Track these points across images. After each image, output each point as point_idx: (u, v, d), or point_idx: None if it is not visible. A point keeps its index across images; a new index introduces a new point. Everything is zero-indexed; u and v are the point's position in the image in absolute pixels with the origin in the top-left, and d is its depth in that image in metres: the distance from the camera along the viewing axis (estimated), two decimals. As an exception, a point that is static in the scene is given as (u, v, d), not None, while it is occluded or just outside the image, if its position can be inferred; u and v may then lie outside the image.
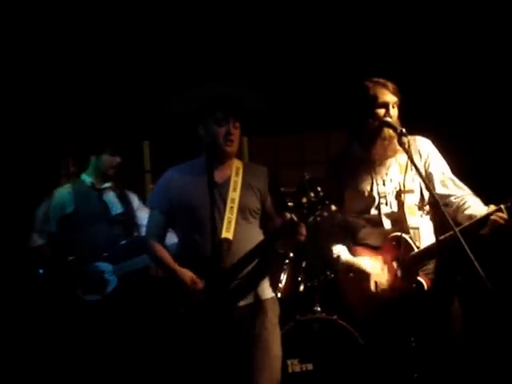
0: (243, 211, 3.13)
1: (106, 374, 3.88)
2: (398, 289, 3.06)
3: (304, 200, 2.88)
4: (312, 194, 2.87)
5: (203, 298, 3.02)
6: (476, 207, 3.03)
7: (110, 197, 4.27)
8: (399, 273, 3.06)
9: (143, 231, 4.20)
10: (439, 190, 3.16)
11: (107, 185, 4.26)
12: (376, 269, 3.15)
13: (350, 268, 3.21)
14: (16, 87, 4.99)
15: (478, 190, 3.19)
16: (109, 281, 4.01)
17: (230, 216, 3.08)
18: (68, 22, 4.87)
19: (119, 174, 4.30)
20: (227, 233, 3.07)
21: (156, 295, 3.99)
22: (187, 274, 3.05)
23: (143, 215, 4.24)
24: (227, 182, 3.16)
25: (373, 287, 3.14)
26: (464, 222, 3.00)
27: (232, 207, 3.10)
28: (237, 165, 3.23)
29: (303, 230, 2.95)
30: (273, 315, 3.17)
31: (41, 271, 4.20)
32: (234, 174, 3.19)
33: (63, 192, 4.23)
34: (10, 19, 4.68)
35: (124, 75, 5.30)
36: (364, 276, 3.17)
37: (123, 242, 4.13)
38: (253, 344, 3.05)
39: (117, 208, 4.25)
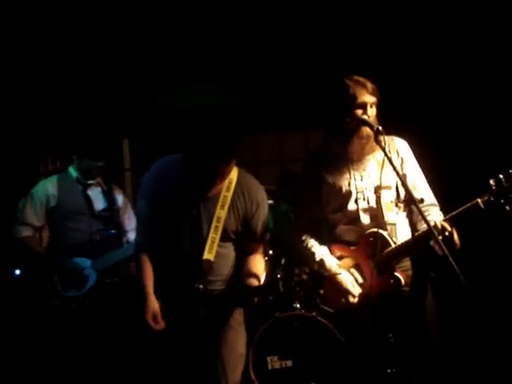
0: (226, 232, 3.07)
1: (85, 370, 3.88)
2: (375, 285, 3.08)
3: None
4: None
5: (160, 331, 3.00)
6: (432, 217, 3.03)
7: (95, 192, 4.27)
8: (376, 269, 3.08)
9: (130, 234, 4.23)
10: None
11: (93, 181, 4.26)
12: (355, 288, 3.12)
13: (331, 277, 3.18)
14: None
15: (451, 189, 3.21)
16: (88, 276, 4.00)
17: (214, 236, 3.01)
18: (49, 22, 4.86)
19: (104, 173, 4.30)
20: (209, 254, 3.02)
21: (134, 291, 4.01)
22: (153, 307, 3.01)
23: (129, 222, 4.28)
24: (216, 197, 3.05)
25: (344, 304, 3.15)
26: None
27: (217, 227, 3.02)
28: (230, 179, 3.07)
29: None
30: (238, 314, 3.18)
31: (17, 272, 4.20)
32: (225, 189, 3.06)
33: (47, 185, 4.22)
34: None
35: (105, 74, 5.29)
36: (341, 290, 3.15)
37: (101, 237, 4.13)
38: (219, 343, 3.06)
39: (100, 204, 4.24)
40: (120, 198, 4.36)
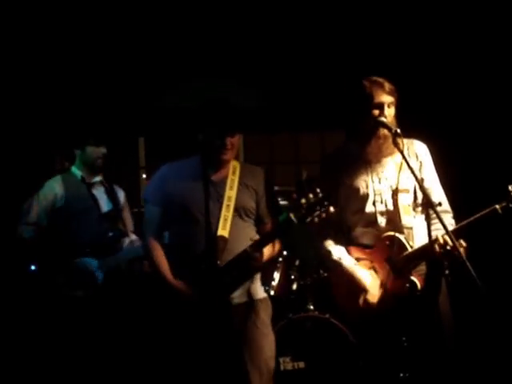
0: (239, 210, 3.13)
1: (94, 370, 3.87)
2: (390, 289, 3.06)
3: (303, 201, 2.88)
4: (311, 196, 2.88)
5: (196, 299, 3.01)
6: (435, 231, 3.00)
7: (100, 192, 4.24)
8: (392, 272, 3.06)
9: (131, 236, 4.23)
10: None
11: (97, 179, 4.24)
12: (374, 287, 3.11)
13: (349, 277, 3.17)
14: (12, 84, 4.98)
15: (462, 197, 3.20)
16: (95, 276, 3.99)
17: (226, 214, 3.07)
18: (64, 17, 4.88)
19: (109, 167, 4.29)
20: (223, 230, 3.06)
21: (141, 291, 4.01)
22: (177, 282, 3.05)
23: (130, 221, 4.29)
24: (224, 180, 3.16)
25: (362, 303, 3.13)
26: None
27: (228, 205, 3.09)
28: (234, 164, 3.22)
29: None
30: (265, 316, 3.18)
31: (32, 267, 4.19)
32: (231, 173, 3.18)
33: (53, 185, 4.17)
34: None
35: (120, 72, 5.31)
36: (360, 289, 3.14)
37: (109, 237, 4.11)
38: (244, 344, 3.06)
39: (105, 203, 4.22)
40: (122, 197, 4.34)
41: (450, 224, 3.06)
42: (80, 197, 4.14)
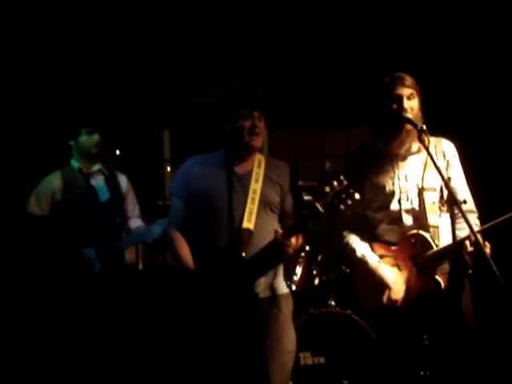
0: (265, 204, 3.11)
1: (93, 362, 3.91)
2: (414, 287, 3.05)
3: (327, 189, 2.86)
4: (335, 183, 2.86)
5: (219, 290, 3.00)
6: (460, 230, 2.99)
7: (98, 181, 4.25)
8: (415, 271, 3.05)
9: (132, 222, 4.24)
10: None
11: (95, 168, 4.25)
12: (398, 284, 3.11)
13: (373, 274, 3.17)
14: (34, 75, 5.02)
15: (490, 198, 3.18)
16: (93, 265, 4.02)
17: (252, 207, 3.06)
18: (89, 10, 4.90)
19: (135, 160, 4.30)
20: (248, 223, 3.05)
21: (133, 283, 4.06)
22: (203, 275, 3.04)
23: (132, 208, 4.28)
24: (249, 173, 3.15)
25: (386, 301, 3.13)
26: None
27: (254, 198, 3.08)
28: (259, 158, 3.21)
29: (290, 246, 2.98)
30: (287, 310, 3.18)
31: None
32: (257, 166, 3.17)
33: (52, 179, 4.20)
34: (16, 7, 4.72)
35: (146, 66, 5.33)
36: (383, 287, 3.14)
37: (106, 227, 4.13)
38: (265, 337, 3.05)
39: (104, 193, 4.22)
40: (124, 185, 4.31)
41: (475, 224, 3.05)
42: (78, 188, 4.17)
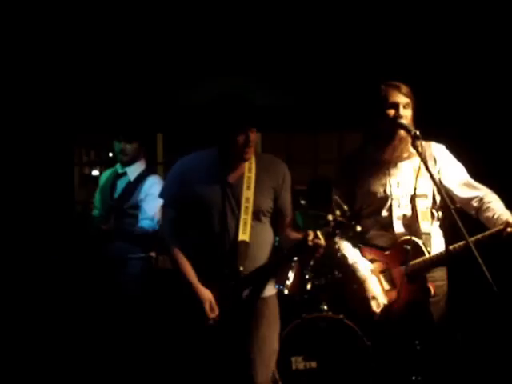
0: (257, 213, 3.06)
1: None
2: (404, 293, 3.05)
3: (330, 218, 2.86)
4: (338, 213, 2.85)
5: (215, 324, 2.98)
6: (495, 210, 3.02)
7: (122, 182, 4.37)
8: (406, 277, 3.06)
9: (145, 223, 4.27)
10: (459, 194, 3.16)
11: (125, 170, 4.38)
12: (381, 297, 3.11)
13: (360, 284, 3.17)
14: (33, 76, 5.03)
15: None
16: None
17: (246, 217, 3.01)
18: (80, 13, 4.90)
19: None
20: (244, 235, 3.00)
21: (156, 285, 4.08)
22: (207, 296, 2.99)
23: (145, 209, 4.30)
24: (240, 180, 3.07)
25: (375, 309, 3.13)
26: (486, 223, 3.02)
27: (247, 207, 3.02)
28: (249, 160, 3.13)
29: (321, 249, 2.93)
30: (274, 310, 3.17)
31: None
32: (247, 170, 3.08)
33: (103, 175, 4.53)
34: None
35: (138, 68, 5.32)
36: (367, 297, 3.13)
37: (113, 228, 4.25)
38: (251, 337, 3.05)
39: (117, 194, 4.33)
40: (146, 187, 4.32)
41: (495, 199, 3.07)
42: (106, 186, 4.40)
